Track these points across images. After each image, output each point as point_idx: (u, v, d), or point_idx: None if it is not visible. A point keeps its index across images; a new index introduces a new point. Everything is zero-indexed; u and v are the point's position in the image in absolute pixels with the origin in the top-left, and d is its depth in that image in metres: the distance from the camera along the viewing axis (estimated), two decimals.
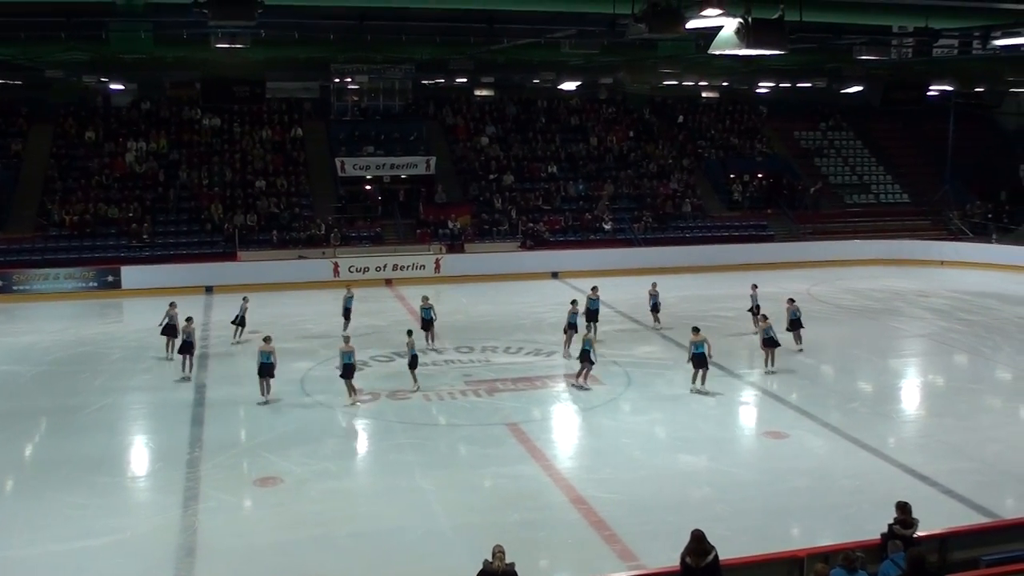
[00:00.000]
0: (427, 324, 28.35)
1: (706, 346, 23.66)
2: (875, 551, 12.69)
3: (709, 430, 21.51)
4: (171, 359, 26.24)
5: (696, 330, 24.12)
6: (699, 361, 23.63)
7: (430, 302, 28.67)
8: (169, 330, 26.65)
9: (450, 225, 42.79)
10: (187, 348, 25.46)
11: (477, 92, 46.19)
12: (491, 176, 46.10)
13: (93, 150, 43.63)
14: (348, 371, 22.95)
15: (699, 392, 23.57)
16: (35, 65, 34.53)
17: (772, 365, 25.62)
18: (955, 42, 31.84)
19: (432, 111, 49.27)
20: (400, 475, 18.78)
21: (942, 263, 43.65)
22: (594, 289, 29.72)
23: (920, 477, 18.32)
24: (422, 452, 20.01)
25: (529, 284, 38.87)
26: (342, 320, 29.84)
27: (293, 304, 31.10)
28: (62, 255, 38.51)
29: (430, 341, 28.28)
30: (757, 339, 26.52)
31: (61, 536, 15.95)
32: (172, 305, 27.29)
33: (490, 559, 12.00)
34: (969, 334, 30.80)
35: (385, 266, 40.15)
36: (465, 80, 42.53)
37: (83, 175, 42.31)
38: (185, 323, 25.97)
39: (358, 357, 27.02)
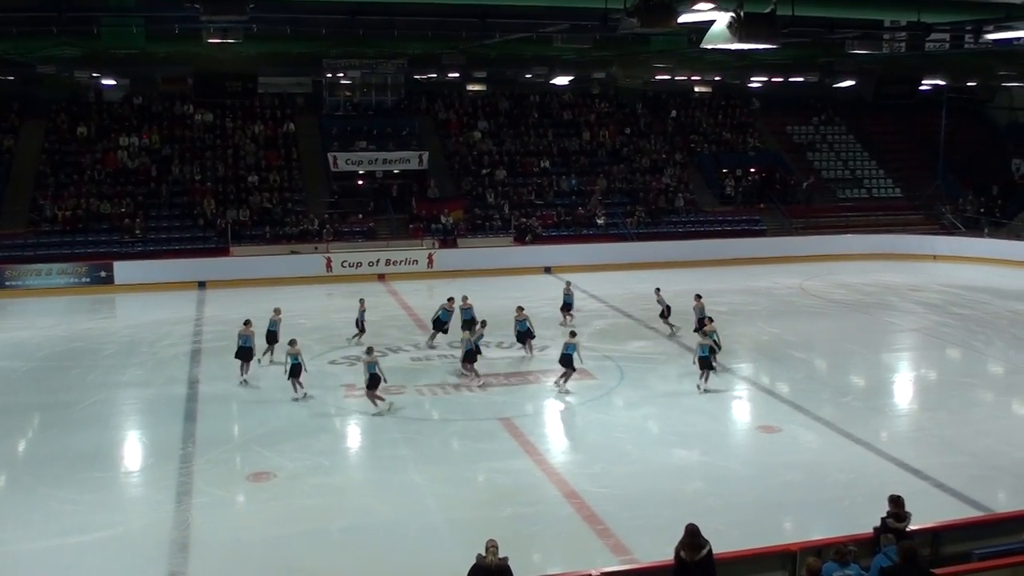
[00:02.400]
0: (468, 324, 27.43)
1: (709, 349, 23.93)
2: (868, 545, 12.73)
3: (702, 424, 21.54)
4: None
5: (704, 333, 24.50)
6: (704, 362, 23.77)
7: (469, 302, 28.47)
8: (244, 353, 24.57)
9: (443, 220, 42.77)
10: (271, 337, 25.80)
11: (469, 87, 46.15)
12: (484, 171, 46.07)
13: (85, 145, 43.50)
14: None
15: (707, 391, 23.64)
16: (27, 60, 34.36)
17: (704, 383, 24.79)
18: (947, 36, 31.82)
19: (424, 106, 49.24)
20: (393, 470, 18.80)
21: (934, 257, 43.73)
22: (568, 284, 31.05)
23: (912, 471, 18.37)
24: (415, 447, 20.02)
25: (522, 279, 38.86)
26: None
27: (286, 299, 30.91)
28: (54, 250, 38.38)
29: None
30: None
31: (53, 532, 15.93)
32: (277, 311, 26.59)
33: (483, 553, 12.00)
34: (961, 328, 30.87)
35: (378, 261, 40.06)
36: (457, 75, 42.45)
37: (75, 170, 42.17)
38: (273, 314, 26.29)
39: (350, 353, 27.06)
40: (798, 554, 12.59)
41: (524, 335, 26.81)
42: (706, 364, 23.60)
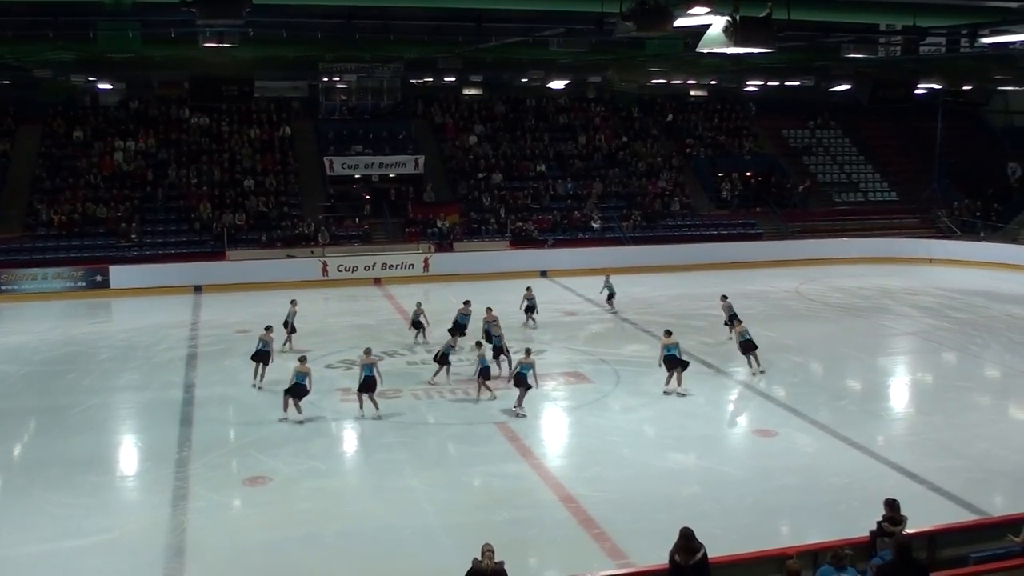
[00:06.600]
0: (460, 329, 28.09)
1: (678, 348, 23.76)
2: (864, 549, 12.73)
3: (698, 428, 21.53)
4: (259, 387, 24.32)
5: (668, 333, 24.20)
6: (672, 363, 23.59)
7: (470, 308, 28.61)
8: (261, 356, 24.48)
9: (439, 224, 42.76)
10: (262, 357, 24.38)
11: (466, 91, 46.12)
12: (480, 175, 46.08)
13: (81, 149, 43.47)
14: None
15: (678, 394, 23.41)
16: (23, 64, 34.37)
17: (758, 365, 25.54)
18: (943, 40, 31.94)
19: (421, 110, 49.24)
20: (389, 474, 18.78)
21: (930, 261, 43.81)
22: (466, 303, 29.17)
23: (909, 475, 18.37)
24: (411, 451, 20.00)
25: (518, 283, 38.75)
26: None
27: (281, 303, 30.86)
28: (50, 255, 38.36)
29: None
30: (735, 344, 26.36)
31: (49, 535, 15.89)
32: (267, 329, 25.14)
33: (479, 558, 11.99)
34: (957, 332, 30.89)
35: (374, 265, 40.11)
36: (453, 79, 42.49)
37: (71, 174, 42.13)
38: (264, 331, 24.94)
39: (346, 357, 27.04)
40: (794, 558, 12.59)
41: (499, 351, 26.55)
42: (672, 364, 23.52)
